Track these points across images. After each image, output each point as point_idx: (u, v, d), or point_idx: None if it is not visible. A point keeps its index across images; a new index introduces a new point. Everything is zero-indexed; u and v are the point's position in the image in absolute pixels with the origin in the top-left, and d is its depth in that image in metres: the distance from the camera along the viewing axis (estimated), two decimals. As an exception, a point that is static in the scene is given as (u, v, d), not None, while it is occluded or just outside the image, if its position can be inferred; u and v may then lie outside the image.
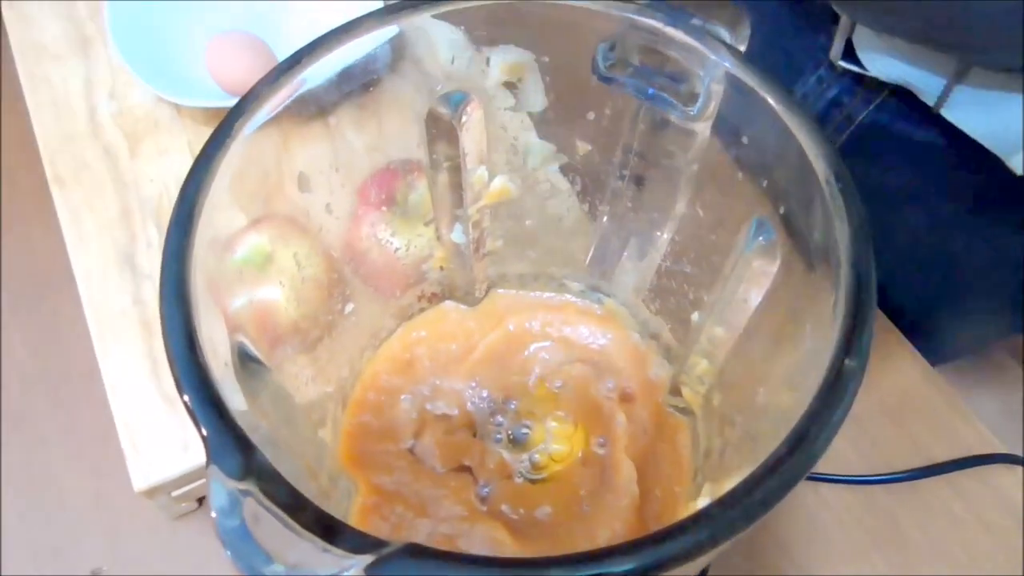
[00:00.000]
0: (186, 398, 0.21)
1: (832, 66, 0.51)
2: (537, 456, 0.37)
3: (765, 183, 0.29)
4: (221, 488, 0.20)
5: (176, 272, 0.23)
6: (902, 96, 0.48)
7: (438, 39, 0.32)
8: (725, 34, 0.28)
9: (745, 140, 0.29)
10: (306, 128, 0.31)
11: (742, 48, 0.28)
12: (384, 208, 0.37)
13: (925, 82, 0.45)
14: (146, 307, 0.47)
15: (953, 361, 0.69)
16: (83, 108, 0.56)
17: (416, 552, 0.19)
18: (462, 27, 0.32)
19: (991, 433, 0.49)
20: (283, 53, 0.48)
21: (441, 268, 0.40)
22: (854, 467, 0.48)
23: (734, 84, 0.28)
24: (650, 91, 0.30)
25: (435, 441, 0.37)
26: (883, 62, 0.46)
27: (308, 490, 0.21)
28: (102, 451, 0.46)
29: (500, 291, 0.43)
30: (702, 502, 0.30)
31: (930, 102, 0.46)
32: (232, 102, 0.28)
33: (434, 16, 0.31)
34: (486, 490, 0.36)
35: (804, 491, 0.48)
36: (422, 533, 0.34)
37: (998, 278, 0.56)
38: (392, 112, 0.34)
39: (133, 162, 0.54)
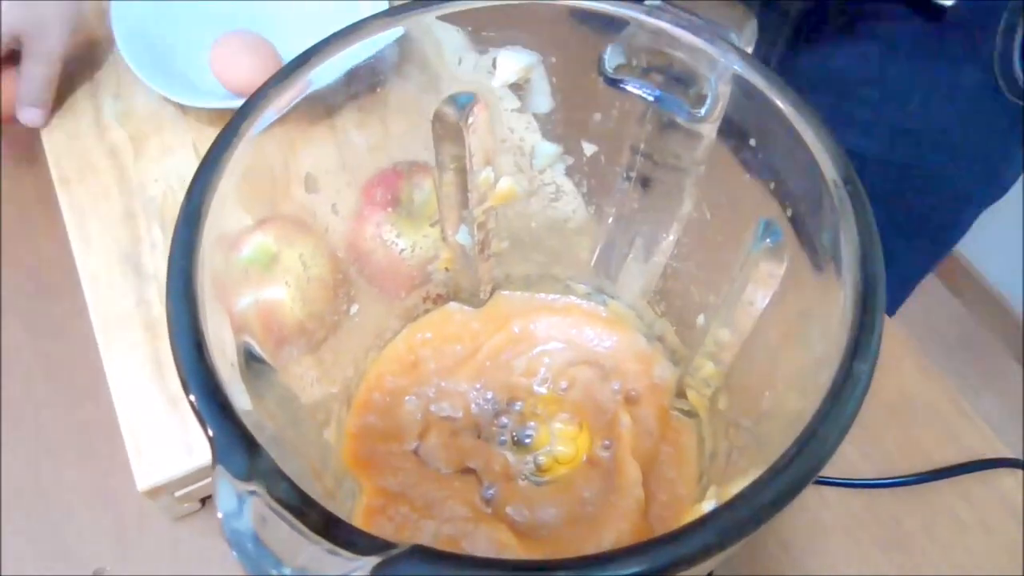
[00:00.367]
0: (192, 398, 0.21)
1: None
2: (542, 458, 0.37)
3: (772, 185, 0.28)
4: (228, 489, 0.20)
5: (183, 269, 0.23)
6: None
7: (445, 40, 0.32)
8: (732, 35, 0.28)
9: (753, 142, 0.29)
10: (313, 129, 0.31)
11: (749, 49, 0.28)
12: (389, 209, 0.37)
13: None
14: (150, 308, 0.47)
15: (934, 257, 0.70)
16: (88, 108, 0.56)
17: (423, 554, 0.19)
18: (468, 28, 0.31)
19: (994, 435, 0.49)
20: (288, 54, 0.48)
21: (446, 269, 0.40)
22: (857, 470, 0.48)
23: (742, 86, 0.28)
24: (657, 93, 0.30)
25: (440, 443, 0.37)
26: None
27: (313, 491, 0.21)
28: (105, 451, 0.46)
29: (505, 293, 0.42)
30: (707, 505, 0.30)
31: None
32: (237, 103, 0.28)
33: (440, 17, 0.31)
34: (490, 492, 0.36)
35: (808, 494, 0.47)
36: (426, 535, 0.34)
37: (955, 129, 0.57)
38: (398, 113, 0.34)
39: (138, 163, 0.54)
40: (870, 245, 0.23)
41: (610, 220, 0.38)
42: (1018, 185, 0.65)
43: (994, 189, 0.65)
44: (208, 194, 0.25)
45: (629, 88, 0.30)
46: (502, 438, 0.38)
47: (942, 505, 0.47)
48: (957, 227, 0.68)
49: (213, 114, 0.55)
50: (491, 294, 0.42)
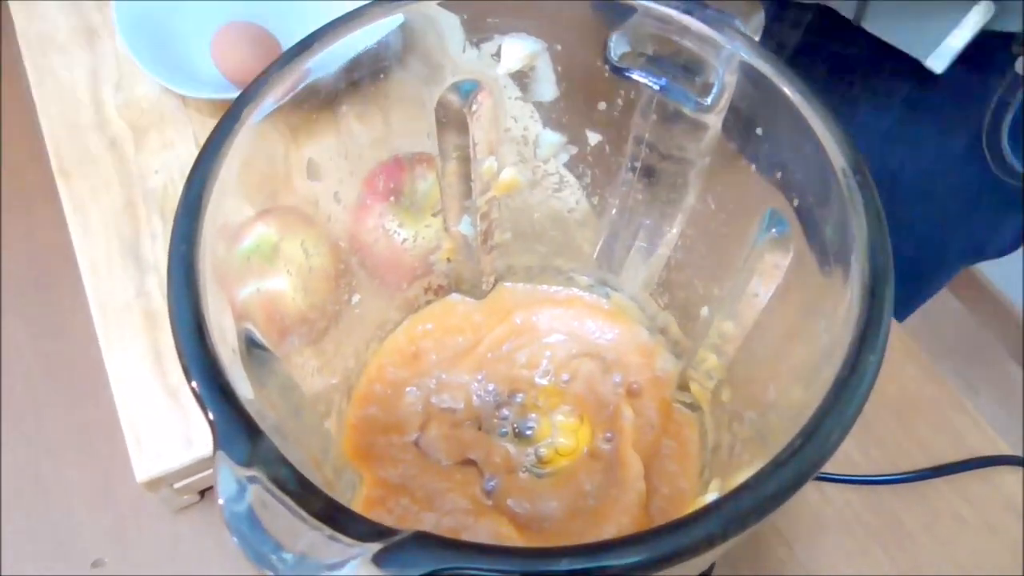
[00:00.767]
0: (194, 384, 0.21)
1: None
2: (543, 450, 0.37)
3: (779, 175, 0.28)
4: (228, 474, 0.20)
5: (184, 254, 0.23)
6: (826, 15, 0.49)
7: (448, 28, 0.32)
8: (739, 23, 0.28)
9: (759, 131, 0.29)
10: (315, 119, 0.31)
11: (756, 38, 0.28)
12: (391, 199, 0.37)
13: None
14: (150, 299, 0.47)
15: (907, 307, 0.69)
16: (89, 100, 0.56)
17: (425, 540, 0.19)
18: (472, 15, 0.31)
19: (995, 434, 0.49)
20: (290, 45, 0.47)
21: (448, 260, 0.40)
22: (858, 467, 0.47)
23: (749, 74, 0.28)
24: (663, 82, 0.29)
25: (440, 434, 0.37)
26: None
27: (313, 481, 0.20)
28: (105, 443, 0.46)
29: (507, 284, 0.42)
30: (710, 498, 0.30)
31: (849, 15, 0.47)
32: (238, 94, 0.28)
33: (442, 3, 0.30)
34: (491, 484, 0.36)
35: (809, 490, 0.47)
36: (427, 526, 0.34)
37: (940, 189, 0.57)
38: (401, 102, 0.34)
39: (138, 154, 0.53)
40: (879, 235, 0.23)
41: (613, 211, 0.38)
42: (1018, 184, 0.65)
43: (974, 257, 0.65)
44: (209, 180, 0.25)
45: (634, 76, 0.30)
46: (503, 430, 0.38)
47: (943, 503, 0.47)
48: (933, 281, 0.67)
49: (214, 105, 0.55)
50: (493, 285, 0.42)
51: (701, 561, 0.21)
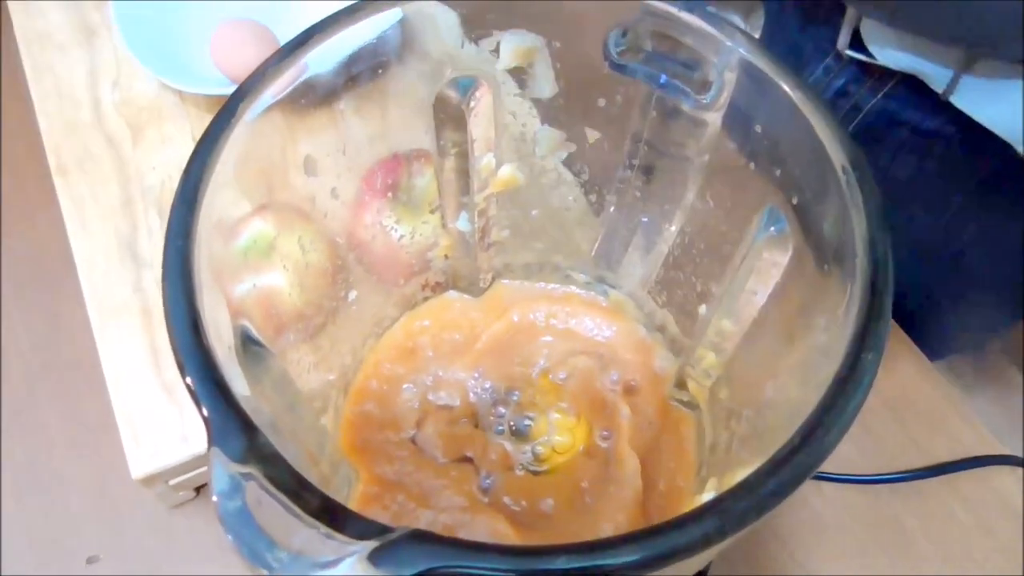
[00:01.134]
0: (188, 380, 0.21)
1: (839, 55, 0.50)
2: (540, 448, 0.37)
3: (778, 172, 0.28)
4: (223, 471, 0.19)
5: (180, 249, 0.23)
6: (910, 84, 0.48)
7: (446, 24, 0.31)
8: (739, 21, 0.28)
9: (758, 128, 0.29)
10: (312, 115, 0.31)
11: (756, 35, 0.28)
12: (389, 195, 0.37)
13: (933, 70, 0.45)
14: (147, 296, 0.47)
15: (949, 357, 0.68)
16: (87, 97, 0.55)
17: (420, 539, 0.19)
18: (470, 10, 0.31)
19: (991, 434, 0.49)
20: (289, 40, 0.47)
21: (446, 257, 0.40)
22: (856, 466, 0.47)
23: (748, 71, 0.27)
24: (662, 78, 0.29)
25: (437, 431, 0.37)
26: (891, 51, 0.46)
27: (309, 477, 0.20)
28: (101, 439, 0.46)
29: (505, 281, 0.42)
30: (707, 496, 0.30)
31: (938, 89, 0.45)
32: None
33: (440, -1, 0.30)
34: (488, 481, 0.36)
35: (806, 489, 0.47)
36: (423, 523, 0.34)
37: (1004, 269, 0.56)
38: (398, 98, 0.34)
39: (136, 151, 0.53)
40: (878, 230, 0.23)
41: (612, 209, 0.38)
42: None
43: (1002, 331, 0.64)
44: (205, 175, 0.25)
45: (634, 73, 0.29)
46: (500, 427, 0.37)
47: (940, 503, 0.47)
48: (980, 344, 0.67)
49: (212, 102, 0.54)
50: (491, 283, 0.42)
51: (698, 560, 0.21)
